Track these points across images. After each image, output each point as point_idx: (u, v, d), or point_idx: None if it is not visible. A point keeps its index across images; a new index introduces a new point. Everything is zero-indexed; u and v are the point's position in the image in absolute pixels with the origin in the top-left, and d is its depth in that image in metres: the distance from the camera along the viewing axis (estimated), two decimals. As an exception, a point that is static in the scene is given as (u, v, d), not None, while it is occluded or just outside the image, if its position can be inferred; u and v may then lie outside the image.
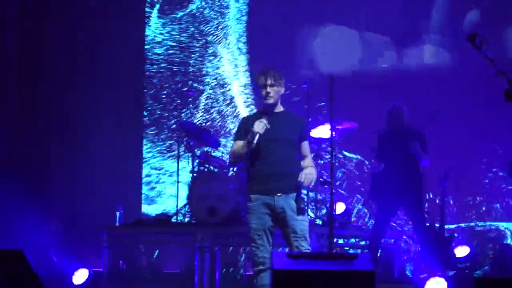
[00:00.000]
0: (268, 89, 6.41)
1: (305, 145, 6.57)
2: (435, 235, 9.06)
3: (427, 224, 9.00)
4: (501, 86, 5.24)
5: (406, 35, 12.11)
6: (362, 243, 9.63)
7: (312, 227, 8.23)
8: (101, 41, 13.20)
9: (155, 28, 13.38)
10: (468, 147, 11.37)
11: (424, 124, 8.99)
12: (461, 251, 9.60)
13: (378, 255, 8.91)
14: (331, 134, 8.18)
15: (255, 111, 6.69)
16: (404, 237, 10.11)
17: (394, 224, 10.39)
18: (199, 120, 12.30)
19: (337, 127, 9.14)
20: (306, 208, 6.43)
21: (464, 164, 11.26)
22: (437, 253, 8.78)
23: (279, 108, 6.55)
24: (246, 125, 6.50)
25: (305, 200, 6.50)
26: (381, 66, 12.13)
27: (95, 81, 13.19)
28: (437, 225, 9.32)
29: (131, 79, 13.48)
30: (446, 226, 9.59)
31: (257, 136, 6.32)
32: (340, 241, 9.53)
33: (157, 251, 11.99)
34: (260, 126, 6.33)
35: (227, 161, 6.67)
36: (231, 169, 9.03)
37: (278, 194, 6.35)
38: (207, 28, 13.08)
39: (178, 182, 9.97)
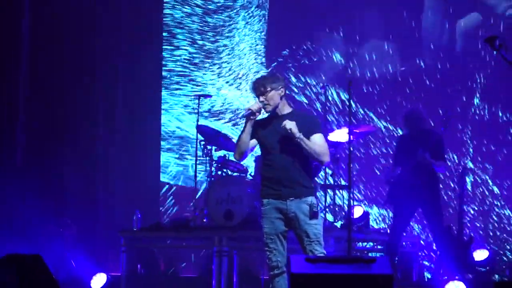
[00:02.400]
0: (261, 98, 6.39)
1: (315, 137, 6.36)
2: (454, 238, 9.01)
3: (444, 227, 8.93)
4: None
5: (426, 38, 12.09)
6: (379, 247, 9.59)
7: (330, 231, 8.22)
8: (119, 43, 13.26)
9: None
10: (486, 150, 11.33)
11: (437, 128, 8.96)
12: (480, 255, 9.55)
13: (396, 260, 8.86)
14: (349, 138, 8.16)
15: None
16: (422, 242, 10.06)
17: (415, 229, 10.37)
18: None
19: (355, 130, 9.10)
20: (319, 211, 6.37)
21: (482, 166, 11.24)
22: (455, 256, 8.73)
23: (286, 110, 6.48)
24: (254, 124, 6.47)
25: (318, 204, 6.44)
26: (400, 69, 12.10)
27: (111, 82, 13.24)
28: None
29: (149, 79, 13.53)
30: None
31: (248, 111, 6.33)
32: (359, 245, 9.49)
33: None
34: (253, 103, 6.36)
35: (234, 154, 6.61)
36: (241, 162, 9.00)
37: (290, 199, 6.32)
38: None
39: (195, 186, 9.97)
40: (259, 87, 6.40)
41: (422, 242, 10.07)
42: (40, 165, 12.39)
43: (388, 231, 9.40)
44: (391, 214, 9.97)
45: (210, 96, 11.24)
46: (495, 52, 5.28)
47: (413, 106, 11.01)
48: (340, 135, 9.42)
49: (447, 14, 12.01)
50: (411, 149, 8.59)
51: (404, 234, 8.97)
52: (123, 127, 13.26)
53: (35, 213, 11.74)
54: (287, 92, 6.58)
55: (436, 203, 8.65)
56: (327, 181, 9.65)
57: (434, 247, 9.61)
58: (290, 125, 6.23)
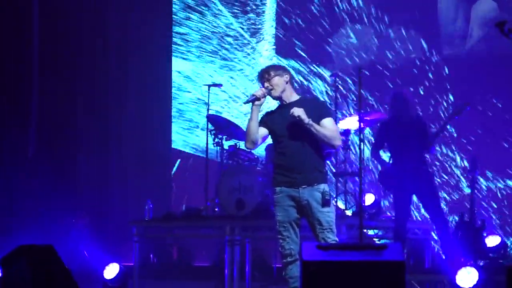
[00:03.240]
0: (266, 84, 6.41)
1: (325, 122, 6.35)
2: (466, 224, 8.99)
3: (442, 211, 8.92)
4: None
5: (432, 25, 12.05)
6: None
7: (342, 219, 8.23)
8: (130, 31, 13.29)
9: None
10: (497, 136, 11.30)
11: (451, 115, 8.92)
12: (492, 241, 9.53)
13: (404, 246, 8.85)
14: (360, 125, 8.15)
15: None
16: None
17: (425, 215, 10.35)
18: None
19: (365, 118, 9.08)
20: (331, 199, 6.37)
21: (493, 152, 11.21)
22: (468, 243, 8.72)
23: (293, 97, 6.49)
24: (263, 116, 6.50)
25: (330, 191, 6.44)
26: (410, 56, 12.06)
27: (122, 74, 13.27)
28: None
29: (160, 71, 13.56)
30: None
31: (252, 97, 6.35)
32: (370, 232, 9.49)
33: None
34: (258, 89, 6.39)
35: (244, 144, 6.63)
36: (248, 150, 9.02)
37: (303, 186, 6.32)
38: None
39: (207, 175, 9.98)
40: (263, 74, 6.43)
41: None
42: (52, 156, 12.43)
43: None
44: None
45: (220, 85, 11.22)
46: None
47: (400, 89, 10.96)
48: (351, 122, 9.41)
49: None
50: (399, 135, 8.55)
51: (409, 219, 8.92)
52: (134, 117, 13.30)
53: (48, 204, 11.79)
54: (293, 80, 6.59)
55: (430, 186, 8.64)
56: (338, 169, 9.64)
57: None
58: (298, 112, 6.24)
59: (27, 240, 6.35)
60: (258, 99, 6.37)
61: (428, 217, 8.97)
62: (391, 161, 8.71)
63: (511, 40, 5.18)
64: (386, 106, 10.00)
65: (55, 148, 12.48)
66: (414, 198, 8.99)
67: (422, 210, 9.88)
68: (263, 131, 6.47)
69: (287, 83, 6.44)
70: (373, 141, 9.12)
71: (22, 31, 12.22)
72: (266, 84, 6.41)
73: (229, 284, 8.45)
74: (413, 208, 9.80)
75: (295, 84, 6.70)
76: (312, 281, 4.65)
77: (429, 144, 8.53)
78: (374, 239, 9.43)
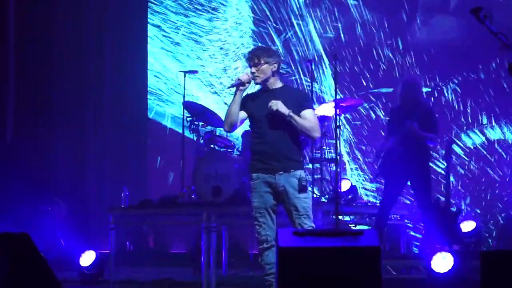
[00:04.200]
0: (253, 69, 6.39)
1: (306, 113, 6.37)
2: (441, 210, 9.04)
3: (431, 201, 8.94)
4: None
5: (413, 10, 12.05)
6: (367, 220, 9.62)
7: (318, 205, 8.25)
8: (106, 19, 13.24)
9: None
10: (473, 121, 11.36)
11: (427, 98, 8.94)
12: (467, 226, 9.60)
13: (383, 233, 8.88)
14: (336, 112, 8.16)
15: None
16: (408, 214, 10.08)
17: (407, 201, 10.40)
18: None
19: (341, 104, 9.09)
20: (307, 185, 6.38)
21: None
22: (443, 228, 8.76)
23: (277, 84, 6.50)
24: (244, 98, 6.48)
25: (307, 177, 6.45)
26: (386, 42, 12.07)
27: (99, 60, 13.21)
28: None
29: (136, 59, 13.50)
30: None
31: (237, 82, 6.36)
32: (346, 218, 9.52)
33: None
34: (243, 74, 6.39)
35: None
36: (226, 134, 9.03)
37: (280, 173, 6.33)
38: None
39: (182, 162, 9.96)
40: (253, 58, 6.41)
41: (408, 214, 10.08)
42: (30, 143, 12.38)
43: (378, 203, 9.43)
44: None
45: (196, 71, 11.18)
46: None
47: (412, 74, 10.97)
48: (327, 109, 9.41)
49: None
50: (401, 120, 8.55)
51: (394, 205, 8.93)
52: (111, 103, 13.27)
53: (24, 191, 11.73)
54: (280, 68, 6.57)
55: (425, 176, 8.63)
56: (314, 155, 9.65)
57: (419, 219, 9.62)
58: (276, 106, 6.24)
59: (1, 228, 6.31)
60: (243, 84, 6.36)
61: (416, 201, 8.99)
62: (393, 146, 8.64)
63: (486, 26, 5.19)
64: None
65: (32, 134, 12.43)
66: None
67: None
68: (242, 114, 6.47)
69: (273, 72, 6.43)
70: (386, 129, 9.05)
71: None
72: (253, 69, 6.38)
73: (205, 270, 8.44)
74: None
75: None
76: (288, 267, 4.67)
77: (419, 133, 8.48)
78: (350, 225, 9.47)
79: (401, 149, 8.48)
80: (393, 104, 9.69)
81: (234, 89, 6.44)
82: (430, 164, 8.99)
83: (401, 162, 8.49)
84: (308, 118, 6.37)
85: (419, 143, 8.54)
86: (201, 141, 9.49)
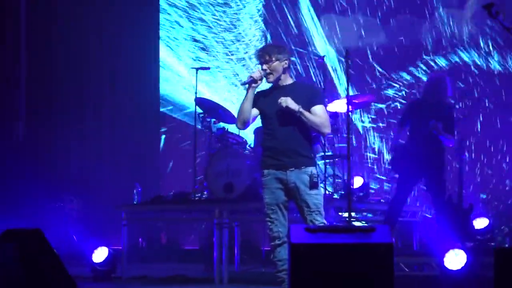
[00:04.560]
0: (264, 66, 6.39)
1: (316, 109, 6.34)
2: (454, 207, 9.01)
3: (445, 199, 8.90)
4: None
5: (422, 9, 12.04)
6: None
7: (330, 201, 8.24)
8: (116, 12, 13.27)
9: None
10: (487, 118, 11.33)
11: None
12: (480, 223, 9.57)
13: (394, 229, 8.85)
14: (348, 108, 8.14)
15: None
16: (422, 212, 10.06)
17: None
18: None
19: (353, 100, 9.06)
20: (319, 182, 6.37)
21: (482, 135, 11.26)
22: (456, 225, 8.73)
23: (288, 81, 6.48)
24: (255, 96, 6.46)
25: (318, 174, 6.44)
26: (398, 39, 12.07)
27: (111, 58, 13.24)
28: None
29: (149, 55, 13.54)
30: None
31: (250, 79, 6.34)
32: (359, 215, 9.51)
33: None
34: (255, 71, 6.37)
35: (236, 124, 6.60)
36: (238, 131, 9.03)
37: (291, 169, 6.32)
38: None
39: (195, 159, 9.96)
40: (264, 55, 6.40)
41: (422, 212, 10.06)
42: (42, 140, 12.42)
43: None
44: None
45: (208, 68, 11.18)
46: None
47: (441, 73, 10.91)
48: (339, 105, 9.40)
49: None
50: (424, 117, 8.46)
51: (406, 202, 8.90)
52: (123, 100, 13.30)
53: (37, 188, 11.77)
54: (291, 64, 6.56)
55: (440, 174, 8.57)
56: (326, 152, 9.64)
57: (432, 216, 9.60)
58: (285, 102, 6.23)
59: (15, 224, 6.32)
60: (255, 81, 6.35)
61: (430, 198, 8.97)
62: (406, 142, 8.61)
63: (499, 22, 5.18)
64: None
65: (44, 132, 12.47)
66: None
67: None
68: (254, 111, 6.46)
69: (284, 69, 6.43)
70: (399, 121, 8.96)
71: (10, 15, 12.20)
72: (264, 67, 6.38)
73: (217, 267, 8.46)
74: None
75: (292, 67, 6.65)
76: (300, 263, 4.65)
77: (442, 134, 8.43)
78: (362, 222, 9.46)
79: (418, 147, 8.41)
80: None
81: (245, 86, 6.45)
82: (446, 165, 8.96)
83: (417, 161, 8.42)
84: (318, 113, 6.35)
85: (437, 143, 8.47)
86: (213, 138, 9.50)
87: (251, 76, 6.38)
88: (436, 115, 8.37)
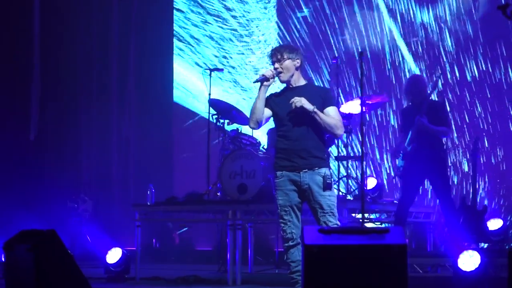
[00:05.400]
0: (276, 65, 6.38)
1: (329, 110, 6.34)
2: (467, 208, 8.99)
3: (451, 199, 8.87)
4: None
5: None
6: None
7: (344, 203, 8.23)
8: (130, 15, 13.31)
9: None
10: (502, 119, 11.29)
11: (431, 92, 8.87)
12: (494, 224, 9.53)
13: (408, 229, 8.84)
14: (362, 109, 8.12)
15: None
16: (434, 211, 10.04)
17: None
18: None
19: (367, 101, 9.05)
20: (332, 183, 6.36)
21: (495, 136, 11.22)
22: (469, 226, 8.71)
23: (300, 82, 6.48)
24: (268, 97, 6.46)
25: (332, 175, 6.43)
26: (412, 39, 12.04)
27: (122, 58, 13.27)
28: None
29: (161, 57, 13.56)
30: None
31: (262, 77, 6.34)
32: (372, 216, 9.50)
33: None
34: (267, 70, 6.37)
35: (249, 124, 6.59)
36: (252, 132, 9.06)
37: (304, 170, 6.31)
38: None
39: (208, 160, 9.98)
40: (276, 54, 6.40)
41: (435, 213, 10.04)
42: (54, 141, 12.45)
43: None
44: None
45: (221, 69, 11.19)
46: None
47: (414, 74, 10.92)
48: (353, 106, 9.39)
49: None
50: (412, 118, 8.48)
51: (412, 204, 8.87)
52: (136, 101, 13.33)
53: (51, 189, 11.81)
54: (304, 65, 6.56)
55: (442, 173, 8.54)
56: (340, 153, 9.63)
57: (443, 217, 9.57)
58: (300, 102, 6.23)
59: (29, 225, 6.35)
60: (267, 79, 6.35)
61: (438, 200, 8.95)
62: (408, 145, 8.61)
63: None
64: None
65: (57, 132, 12.50)
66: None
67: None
68: (267, 112, 6.45)
69: (297, 68, 6.43)
70: (399, 129, 9.00)
71: (24, 16, 12.24)
72: (276, 65, 6.38)
73: (231, 268, 8.46)
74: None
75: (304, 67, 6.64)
76: (314, 265, 4.65)
77: (429, 127, 8.42)
78: (376, 223, 9.44)
79: (420, 152, 8.40)
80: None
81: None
82: (447, 160, 8.94)
83: (416, 160, 8.41)
84: (332, 115, 6.35)
85: (432, 139, 8.44)
86: (227, 139, 9.51)
87: (263, 74, 6.38)
88: (422, 111, 8.38)
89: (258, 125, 6.47)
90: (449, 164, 9.24)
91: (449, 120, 8.67)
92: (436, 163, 8.44)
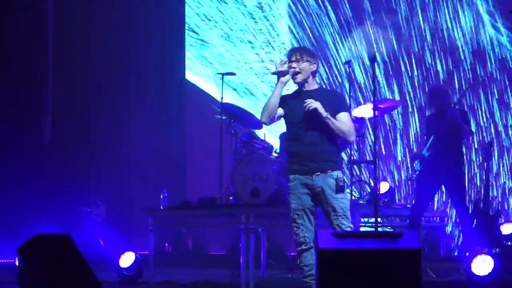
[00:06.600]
0: (294, 65, 6.39)
1: (341, 116, 6.37)
2: (480, 212, 8.97)
3: (466, 206, 8.86)
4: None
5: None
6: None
7: (356, 206, 8.22)
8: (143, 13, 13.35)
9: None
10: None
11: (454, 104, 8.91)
12: (508, 228, 9.51)
13: (422, 234, 8.83)
14: (374, 113, 8.12)
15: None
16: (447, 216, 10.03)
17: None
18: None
19: (379, 105, 9.05)
20: (345, 186, 6.36)
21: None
22: (482, 231, 8.69)
23: (313, 86, 6.49)
24: (282, 98, 6.46)
25: (344, 178, 6.43)
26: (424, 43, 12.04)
27: (137, 61, 13.31)
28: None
29: (175, 57, 13.60)
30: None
31: (280, 71, 6.36)
32: (385, 220, 9.49)
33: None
34: (284, 66, 6.36)
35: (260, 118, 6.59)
36: (264, 136, 9.08)
37: (316, 173, 6.31)
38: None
39: (221, 164, 9.98)
40: (295, 54, 6.41)
41: (448, 217, 10.03)
42: (68, 146, 12.48)
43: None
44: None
45: (233, 73, 11.20)
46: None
47: (437, 83, 10.97)
48: (365, 110, 9.38)
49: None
50: (439, 127, 8.51)
51: (426, 209, 8.87)
52: (150, 104, 13.36)
53: (64, 193, 11.84)
54: (318, 71, 6.58)
55: (459, 181, 8.55)
56: (352, 157, 9.62)
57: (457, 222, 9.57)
58: (314, 105, 6.23)
59: (43, 230, 6.37)
60: (283, 74, 6.35)
61: (452, 205, 8.95)
62: (428, 150, 8.61)
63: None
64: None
65: (70, 136, 12.53)
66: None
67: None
68: (280, 111, 6.47)
69: (313, 73, 6.44)
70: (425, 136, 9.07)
71: (37, 22, 12.28)
72: (294, 65, 6.39)
73: (244, 272, 8.45)
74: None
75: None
76: (328, 268, 4.65)
77: (459, 122, 8.46)
78: (389, 227, 9.43)
79: (439, 157, 8.41)
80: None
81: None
82: (464, 168, 8.93)
83: (435, 165, 8.43)
84: (344, 121, 6.35)
85: (452, 146, 8.47)
86: (239, 143, 9.51)
87: (280, 70, 6.39)
88: (448, 123, 8.41)
89: (270, 120, 6.48)
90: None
91: (469, 125, 8.73)
92: (453, 170, 8.45)
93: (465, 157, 8.86)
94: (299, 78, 6.41)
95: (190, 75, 13.63)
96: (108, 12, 13.06)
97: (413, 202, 9.00)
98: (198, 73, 13.59)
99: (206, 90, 13.37)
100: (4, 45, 11.98)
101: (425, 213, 9.03)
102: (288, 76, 6.37)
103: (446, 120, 8.41)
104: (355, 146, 9.59)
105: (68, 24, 12.63)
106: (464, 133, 8.56)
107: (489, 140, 10.66)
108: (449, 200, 9.16)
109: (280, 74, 6.36)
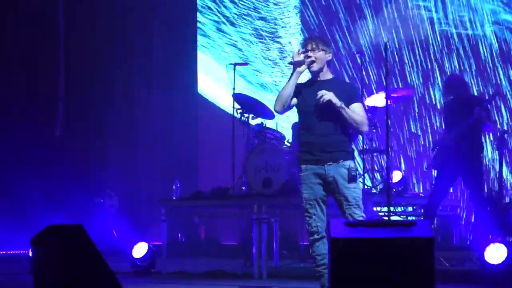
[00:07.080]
0: (309, 53, 6.37)
1: (355, 107, 6.33)
2: (493, 201, 8.94)
3: (483, 195, 8.82)
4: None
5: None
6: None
7: (369, 196, 8.22)
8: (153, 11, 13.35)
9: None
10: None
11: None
12: (521, 217, 9.47)
13: (434, 223, 8.81)
14: (386, 102, 8.10)
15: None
16: (461, 206, 10.00)
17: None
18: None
19: (392, 95, 9.02)
20: (357, 175, 6.35)
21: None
22: (496, 220, 8.66)
23: (328, 76, 6.47)
24: (296, 87, 6.45)
25: (356, 167, 6.41)
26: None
27: (147, 53, 13.31)
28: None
29: (185, 50, 13.60)
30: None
31: (297, 61, 6.33)
32: (398, 209, 9.47)
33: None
34: (300, 56, 6.35)
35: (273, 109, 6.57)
36: (276, 126, 9.07)
37: (329, 163, 6.30)
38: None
39: (233, 154, 9.99)
40: (311, 43, 6.39)
41: (461, 206, 10.00)
42: (81, 137, 12.52)
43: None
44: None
45: (246, 64, 11.20)
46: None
47: (453, 72, 10.94)
48: (378, 100, 9.36)
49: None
50: (460, 112, 8.45)
51: (444, 197, 8.85)
52: (161, 96, 13.37)
53: (77, 184, 11.87)
54: (332, 61, 6.56)
55: (477, 172, 8.51)
56: (365, 147, 9.61)
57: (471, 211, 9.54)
58: (328, 96, 6.22)
59: (56, 220, 6.40)
60: (300, 64, 6.34)
61: (467, 192, 8.93)
62: (451, 140, 8.59)
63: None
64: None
65: (82, 127, 12.57)
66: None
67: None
68: (293, 100, 6.46)
69: (328, 62, 6.43)
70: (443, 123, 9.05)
71: (49, 13, 12.31)
72: (310, 54, 6.37)
73: (256, 262, 8.47)
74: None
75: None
76: (340, 258, 4.65)
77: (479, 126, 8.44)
78: (402, 216, 9.41)
79: (457, 145, 8.38)
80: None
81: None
82: (483, 161, 8.91)
83: (455, 156, 8.40)
84: (357, 111, 6.34)
85: (474, 138, 8.44)
86: (251, 133, 9.51)
87: (292, 57, 6.38)
88: (470, 108, 8.37)
89: (284, 110, 6.46)
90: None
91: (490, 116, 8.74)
92: (472, 162, 8.42)
93: (483, 149, 8.79)
94: (315, 67, 6.39)
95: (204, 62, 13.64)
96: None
97: (431, 191, 8.97)
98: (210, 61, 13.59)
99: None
100: (18, 43, 12.06)
101: (439, 202, 9.01)
102: (304, 66, 6.36)
103: (472, 117, 8.35)
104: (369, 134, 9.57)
105: (79, 17, 12.66)
106: (487, 128, 8.53)
107: (503, 129, 10.60)
108: (464, 188, 9.10)
109: (296, 64, 6.35)
